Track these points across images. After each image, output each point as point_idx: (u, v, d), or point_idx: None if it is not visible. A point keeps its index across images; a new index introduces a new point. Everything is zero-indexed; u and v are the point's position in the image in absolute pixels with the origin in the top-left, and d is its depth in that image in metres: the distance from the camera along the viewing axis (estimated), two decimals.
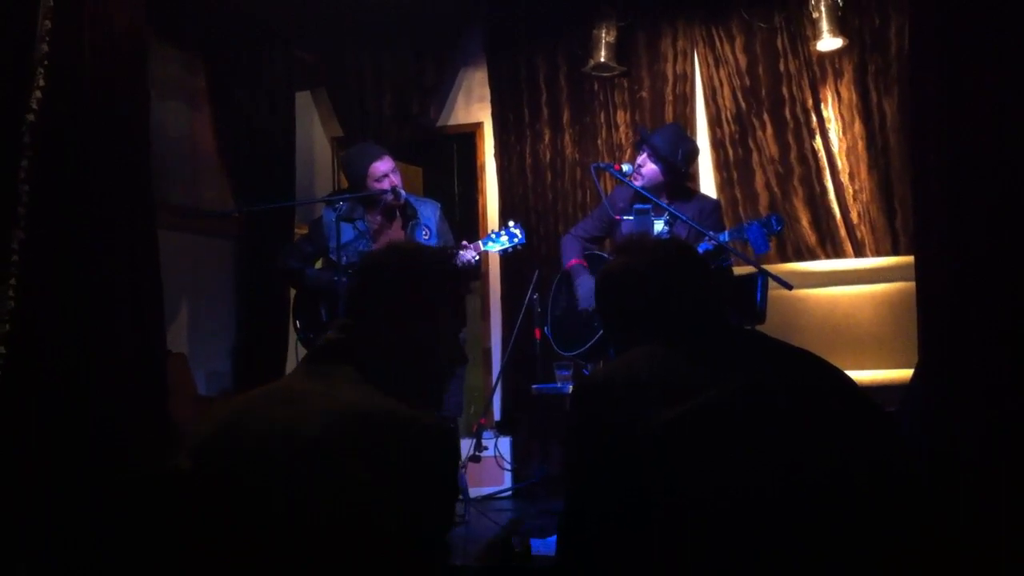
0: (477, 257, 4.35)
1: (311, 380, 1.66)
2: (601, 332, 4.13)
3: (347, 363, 1.66)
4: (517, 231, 4.39)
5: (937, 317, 2.19)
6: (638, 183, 4.20)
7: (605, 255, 4.43)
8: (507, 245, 4.38)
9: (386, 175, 4.38)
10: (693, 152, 4.43)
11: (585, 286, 4.28)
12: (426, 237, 4.42)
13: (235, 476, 1.52)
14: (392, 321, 1.72)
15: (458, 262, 4.28)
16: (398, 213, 4.53)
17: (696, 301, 1.83)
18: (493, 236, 4.40)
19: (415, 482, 1.50)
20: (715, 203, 4.40)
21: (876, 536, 1.51)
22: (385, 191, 4.37)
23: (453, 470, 1.60)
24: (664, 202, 4.13)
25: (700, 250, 3.87)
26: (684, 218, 4.01)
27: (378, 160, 4.39)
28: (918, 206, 2.36)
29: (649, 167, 4.22)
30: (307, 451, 1.50)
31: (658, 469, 1.56)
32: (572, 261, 4.42)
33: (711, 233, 3.93)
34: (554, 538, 3.14)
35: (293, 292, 4.79)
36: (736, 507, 1.51)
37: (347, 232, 4.41)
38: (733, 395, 1.59)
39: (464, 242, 4.37)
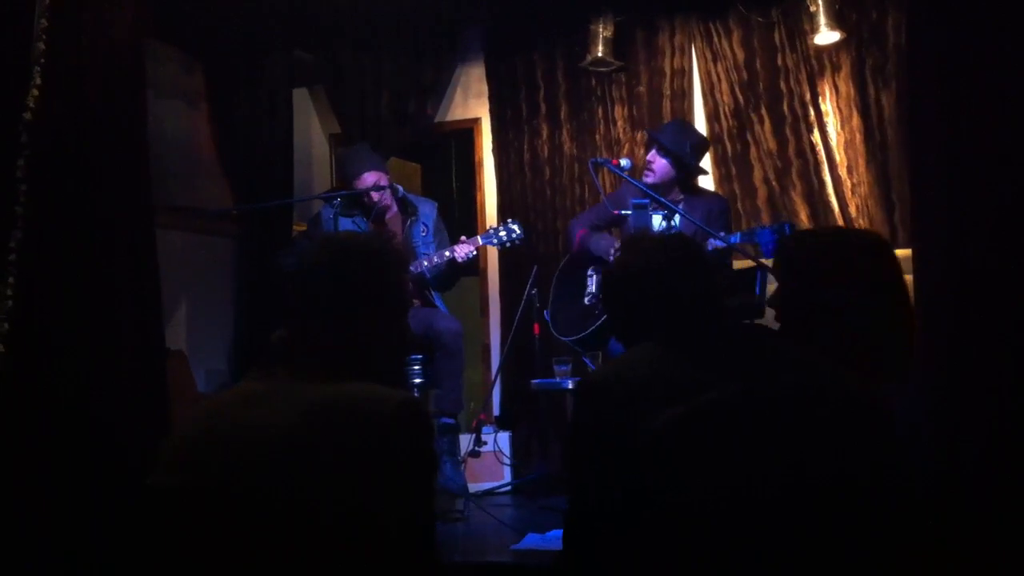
0: (474, 252, 4.40)
1: (270, 380, 1.65)
2: (601, 320, 4.14)
3: (299, 359, 1.66)
4: (516, 227, 4.44)
5: (935, 312, 2.18)
6: (650, 180, 4.22)
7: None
8: (505, 240, 4.42)
9: (368, 192, 4.44)
10: (701, 144, 4.43)
11: (600, 240, 4.33)
12: (423, 234, 4.50)
13: (213, 484, 1.52)
14: (334, 314, 1.72)
15: (459, 257, 4.33)
16: (396, 208, 4.59)
17: (699, 298, 1.83)
18: (492, 232, 4.45)
19: (391, 461, 1.49)
20: (724, 204, 4.42)
21: (875, 536, 1.51)
22: (377, 190, 4.43)
23: (425, 442, 1.59)
24: (669, 199, 4.14)
25: (708, 248, 3.90)
26: (680, 212, 4.02)
27: (357, 178, 4.51)
28: (916, 200, 2.36)
29: (659, 163, 4.24)
30: (279, 449, 1.49)
31: (658, 468, 1.56)
32: (580, 232, 4.45)
33: (722, 235, 3.95)
34: (553, 534, 3.16)
35: None
36: (736, 507, 1.51)
37: (347, 228, 4.45)
38: (733, 395, 1.59)
39: (463, 237, 4.42)
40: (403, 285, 1.86)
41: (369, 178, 4.48)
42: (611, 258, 4.24)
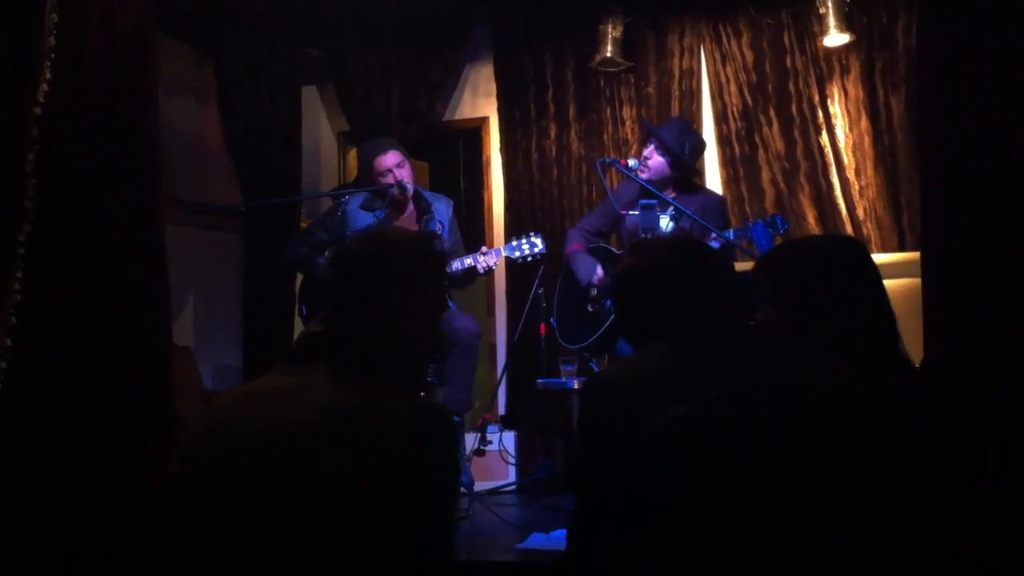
0: (496, 264, 4.38)
1: (293, 376, 1.63)
2: (606, 326, 4.14)
3: (329, 356, 1.64)
4: (538, 241, 4.41)
5: (941, 315, 2.19)
6: (644, 176, 4.22)
7: (613, 249, 4.44)
8: (527, 253, 4.39)
9: (390, 170, 4.41)
10: (700, 146, 4.45)
11: (583, 264, 4.32)
12: (439, 232, 4.47)
13: (221, 477, 1.52)
14: (375, 311, 1.69)
15: (480, 268, 4.31)
16: (412, 206, 4.57)
17: (707, 300, 1.84)
18: (515, 244, 4.42)
19: (409, 470, 1.48)
20: (719, 199, 4.42)
21: (878, 536, 1.51)
22: (390, 185, 4.41)
23: (446, 452, 1.57)
24: (670, 197, 4.15)
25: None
26: (690, 213, 4.02)
27: (382, 155, 4.44)
28: (924, 204, 2.36)
29: (656, 160, 4.24)
30: (292, 448, 1.49)
31: (660, 469, 1.56)
32: (572, 247, 4.46)
33: (717, 231, 3.95)
34: (557, 533, 3.16)
35: (300, 278, 4.81)
36: (737, 507, 1.51)
37: (367, 221, 4.45)
38: (735, 395, 1.59)
39: (484, 248, 4.40)
40: (444, 287, 1.84)
41: (391, 158, 4.46)
42: (586, 282, 4.26)
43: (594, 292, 4.29)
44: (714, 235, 3.94)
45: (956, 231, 2.12)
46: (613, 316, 4.00)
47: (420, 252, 1.79)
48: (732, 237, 3.99)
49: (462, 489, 3.96)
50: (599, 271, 4.27)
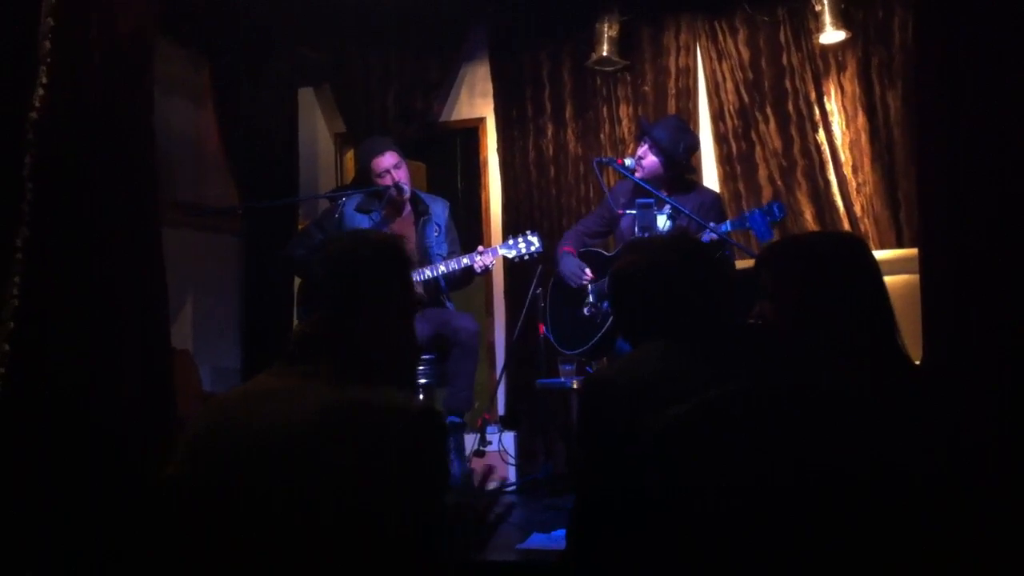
0: (493, 264, 4.38)
1: (292, 376, 1.66)
2: (603, 331, 4.14)
3: (323, 356, 1.66)
4: (535, 239, 4.41)
5: (941, 314, 2.19)
6: (638, 175, 4.21)
7: (604, 252, 4.44)
8: (524, 252, 4.39)
9: (387, 171, 4.42)
10: (694, 145, 4.44)
11: (566, 263, 4.37)
12: (436, 234, 4.49)
13: (221, 476, 1.53)
14: (375, 310, 1.72)
15: (477, 267, 4.31)
16: (409, 208, 4.57)
17: (705, 298, 1.84)
18: (513, 242, 4.42)
19: (409, 470, 1.50)
20: (715, 196, 4.42)
21: (878, 536, 1.51)
22: (387, 186, 4.41)
23: (446, 453, 1.59)
24: (664, 195, 4.14)
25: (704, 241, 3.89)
26: (686, 211, 4.02)
27: (379, 156, 4.46)
28: (921, 199, 2.36)
29: (650, 159, 4.24)
30: (292, 447, 1.50)
31: (661, 468, 1.56)
32: (563, 248, 4.47)
33: (712, 225, 3.94)
34: (557, 533, 3.16)
35: (297, 281, 4.81)
36: (737, 506, 1.51)
37: (363, 223, 4.45)
38: (734, 394, 1.59)
39: (480, 247, 4.40)
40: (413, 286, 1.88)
41: (389, 159, 4.47)
42: (577, 284, 4.27)
43: (589, 299, 4.30)
44: (709, 229, 3.92)
45: (956, 231, 2.12)
46: (612, 319, 3.99)
47: (401, 253, 1.84)
48: (729, 228, 3.98)
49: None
50: (587, 271, 4.30)
